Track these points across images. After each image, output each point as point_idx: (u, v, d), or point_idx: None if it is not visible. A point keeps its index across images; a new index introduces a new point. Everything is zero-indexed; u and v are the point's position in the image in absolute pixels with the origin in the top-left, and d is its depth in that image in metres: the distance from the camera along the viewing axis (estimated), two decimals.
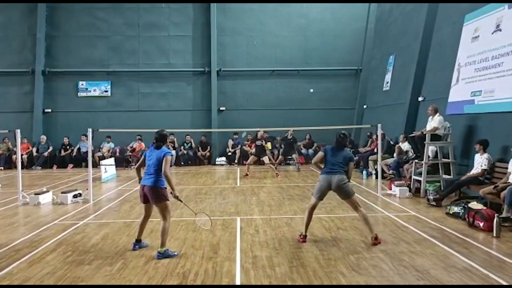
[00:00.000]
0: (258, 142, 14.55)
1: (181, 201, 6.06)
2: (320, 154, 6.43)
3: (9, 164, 16.83)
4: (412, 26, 14.46)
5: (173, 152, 17.55)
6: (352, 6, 19.27)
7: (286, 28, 19.35)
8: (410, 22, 14.77)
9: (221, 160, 17.94)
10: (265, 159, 14.45)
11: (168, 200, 5.72)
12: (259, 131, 14.53)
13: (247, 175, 13.98)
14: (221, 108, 18.99)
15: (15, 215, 8.47)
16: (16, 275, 5.05)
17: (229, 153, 17.99)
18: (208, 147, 18.34)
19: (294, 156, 15.99)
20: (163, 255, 5.52)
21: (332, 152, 6.34)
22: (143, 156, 6.05)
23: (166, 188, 5.73)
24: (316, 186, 6.34)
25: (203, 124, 18.73)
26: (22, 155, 14.77)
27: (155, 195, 5.65)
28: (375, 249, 5.85)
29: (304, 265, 5.25)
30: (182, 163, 17.62)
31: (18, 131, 9.91)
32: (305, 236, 6.26)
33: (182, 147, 18.03)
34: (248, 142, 17.09)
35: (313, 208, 6.36)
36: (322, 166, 6.39)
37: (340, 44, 19.28)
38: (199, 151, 18.17)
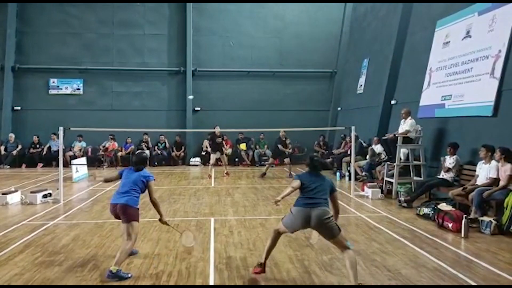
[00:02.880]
0: (218, 140, 14.08)
1: (170, 226, 5.98)
2: (297, 183, 4.86)
3: None
4: (386, 30, 14.73)
5: (147, 152, 17.35)
6: (328, 10, 19.49)
7: (262, 29, 19.41)
8: (384, 26, 15.05)
9: (196, 160, 17.83)
10: (222, 157, 14.38)
11: (138, 221, 5.41)
12: (216, 127, 14.26)
13: (210, 176, 13.76)
14: (196, 108, 18.87)
15: None
16: None
17: (204, 153, 17.88)
18: (183, 147, 18.19)
19: (286, 160, 14.75)
20: (115, 275, 4.83)
21: (310, 178, 4.92)
22: (117, 174, 5.73)
23: (138, 208, 5.48)
24: (287, 219, 4.87)
25: (177, 124, 18.54)
26: None
27: (126, 214, 5.29)
28: None
29: (278, 266, 5.27)
30: (156, 164, 17.40)
31: None
32: (263, 264, 4.94)
33: (156, 147, 17.83)
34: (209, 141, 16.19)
35: (279, 234, 5.00)
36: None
37: (315, 47, 19.46)
38: (173, 151, 18.00)
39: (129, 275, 4.94)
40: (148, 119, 17.64)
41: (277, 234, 4.98)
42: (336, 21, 19.43)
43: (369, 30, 16.76)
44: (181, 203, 9.42)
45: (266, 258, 4.97)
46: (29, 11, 18.20)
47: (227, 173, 14.15)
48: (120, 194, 5.39)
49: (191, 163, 17.74)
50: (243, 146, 17.91)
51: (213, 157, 14.23)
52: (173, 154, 17.95)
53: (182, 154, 18.11)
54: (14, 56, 18.00)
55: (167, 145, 17.99)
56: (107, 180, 6.10)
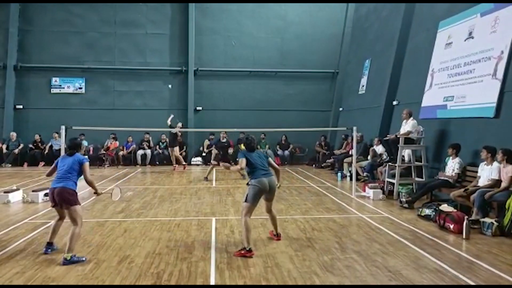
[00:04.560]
0: (224, 145, 13.99)
1: (103, 193, 6.19)
2: (244, 160, 5.97)
3: None
4: (388, 31, 14.72)
5: (148, 151, 17.37)
6: (329, 10, 19.50)
7: (264, 29, 19.42)
8: (386, 27, 15.04)
9: (197, 160, 17.85)
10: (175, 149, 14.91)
11: (79, 204, 5.62)
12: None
13: (174, 169, 14.41)
14: (197, 108, 18.89)
15: None
16: None
17: (204, 154, 17.89)
18: (184, 146, 18.20)
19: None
20: (69, 261, 5.20)
21: (251, 155, 6.07)
22: (54, 165, 5.93)
23: (76, 192, 5.65)
24: (250, 195, 5.85)
25: None
26: None
27: (65, 198, 5.49)
28: (349, 250, 5.93)
29: (278, 266, 5.27)
30: (157, 163, 17.45)
31: None
32: (251, 249, 5.67)
33: (157, 147, 17.85)
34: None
35: (250, 216, 5.90)
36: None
37: (317, 47, 19.47)
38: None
39: (84, 258, 5.38)
40: (149, 119, 17.65)
41: (249, 218, 5.85)
42: (338, 22, 19.44)
43: (371, 30, 16.75)
44: (182, 203, 9.42)
45: (249, 243, 5.69)
46: (31, 10, 18.23)
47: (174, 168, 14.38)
48: (57, 179, 5.64)
49: (192, 162, 17.75)
50: (241, 146, 17.89)
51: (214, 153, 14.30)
52: None
53: (184, 153, 18.11)
54: (16, 55, 18.04)
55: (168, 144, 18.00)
56: (48, 175, 6.22)
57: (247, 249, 5.59)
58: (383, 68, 14.64)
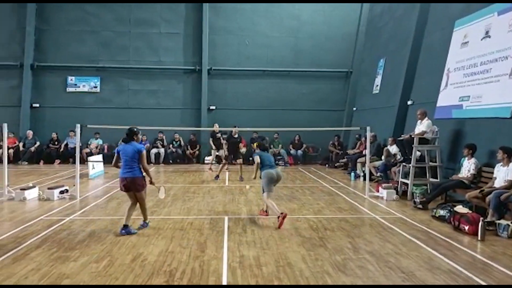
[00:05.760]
0: (234, 140, 13.62)
1: (155, 185, 7.19)
2: (258, 159, 7.76)
3: None
4: (403, 30, 14.59)
5: (162, 150, 17.49)
6: (343, 10, 19.39)
7: (278, 29, 19.39)
8: (401, 26, 14.90)
9: (210, 159, 17.87)
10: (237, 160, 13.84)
11: (145, 188, 6.74)
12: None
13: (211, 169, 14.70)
14: (211, 107, 18.95)
15: (0, 210, 8.36)
16: (0, 270, 4.98)
17: (218, 153, 17.89)
18: (197, 145, 18.29)
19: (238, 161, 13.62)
20: (142, 225, 6.94)
21: (264, 154, 7.96)
22: (116, 155, 6.73)
23: (144, 178, 6.69)
24: (266, 185, 7.58)
25: (192, 122, 18.67)
26: (8, 149, 14.54)
27: (136, 187, 6.59)
28: (362, 250, 5.90)
29: (291, 265, 5.27)
30: (171, 161, 17.56)
31: (5, 125, 9.75)
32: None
33: (171, 145, 17.96)
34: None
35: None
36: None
37: (330, 47, 19.38)
38: (187, 149, 18.11)
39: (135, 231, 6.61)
40: (163, 117, 17.79)
41: (270, 199, 7.62)
42: (351, 21, 19.33)
43: (385, 30, 16.61)
44: (195, 201, 9.47)
45: (279, 210, 7.31)
46: (48, 9, 18.47)
47: (241, 178, 13.08)
48: (126, 169, 6.58)
49: (205, 161, 17.81)
50: (254, 145, 17.86)
51: (218, 152, 14.57)
52: (188, 152, 18.06)
53: (197, 152, 18.21)
54: (33, 54, 18.30)
55: (182, 143, 18.13)
56: (114, 165, 6.89)
57: (279, 215, 7.10)
58: (397, 67, 14.52)
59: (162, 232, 6.75)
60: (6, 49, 18.20)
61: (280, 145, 18.05)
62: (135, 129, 6.76)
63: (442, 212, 7.72)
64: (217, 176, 13.15)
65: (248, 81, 19.34)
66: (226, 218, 7.83)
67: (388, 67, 15.79)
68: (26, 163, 16.74)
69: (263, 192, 7.64)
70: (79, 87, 18.76)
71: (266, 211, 8.01)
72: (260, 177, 7.70)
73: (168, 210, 8.51)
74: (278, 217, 7.07)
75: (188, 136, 18.28)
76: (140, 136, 7.17)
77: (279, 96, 19.23)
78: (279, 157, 17.27)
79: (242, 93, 19.22)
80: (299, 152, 18.23)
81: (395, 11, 15.69)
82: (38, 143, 17.30)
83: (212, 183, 12.37)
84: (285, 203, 9.35)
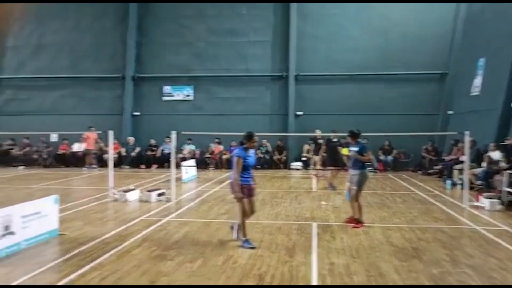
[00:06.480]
0: (319, 142, 13.75)
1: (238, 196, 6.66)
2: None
3: (101, 163, 18.11)
4: (506, 27, 13.46)
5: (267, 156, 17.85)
6: (437, 8, 18.35)
7: (366, 31, 18.88)
8: (504, 23, 13.75)
9: (297, 164, 17.92)
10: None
11: None
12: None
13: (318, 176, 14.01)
14: (298, 113, 19.00)
15: (106, 210, 9.14)
16: (106, 266, 5.43)
17: (305, 158, 17.88)
18: (284, 151, 18.42)
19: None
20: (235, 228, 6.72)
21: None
22: (241, 160, 6.18)
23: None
24: (361, 180, 7.77)
25: (279, 128, 18.87)
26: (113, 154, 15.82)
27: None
28: (461, 264, 5.52)
29: (382, 275, 5.09)
30: (259, 167, 17.86)
31: (111, 132, 10.63)
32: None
33: (258, 151, 18.29)
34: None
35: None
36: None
37: (423, 48, 18.41)
38: (275, 155, 18.32)
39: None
40: (251, 124, 18.05)
41: (359, 201, 7.78)
42: (446, 20, 18.23)
43: (486, 28, 15.43)
44: (283, 207, 9.54)
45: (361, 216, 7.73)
46: (146, 23, 19.94)
47: (316, 175, 13.42)
48: (250, 175, 6.41)
49: (292, 167, 17.86)
50: (345, 150, 17.51)
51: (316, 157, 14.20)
52: (275, 158, 18.26)
53: (284, 158, 18.34)
54: (134, 66, 19.81)
55: (269, 149, 18.37)
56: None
57: (358, 221, 7.53)
58: (500, 66, 13.43)
59: (251, 236, 6.87)
60: (110, 62, 19.97)
61: (369, 151, 17.48)
62: (250, 132, 6.36)
63: None
64: (333, 186, 12.15)
65: (335, 86, 19.07)
66: (314, 224, 7.79)
67: (489, 67, 14.64)
68: (128, 167, 18.06)
69: (357, 186, 7.70)
70: (174, 95, 19.93)
71: (356, 219, 7.65)
72: (360, 175, 7.78)
73: (256, 214, 8.59)
74: (358, 220, 7.55)
75: (275, 142, 18.48)
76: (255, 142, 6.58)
77: (367, 100, 18.66)
78: (368, 163, 16.73)
79: (329, 98, 18.98)
80: (389, 158, 17.55)
81: (497, 7, 14.51)
82: (138, 149, 18.62)
83: (300, 189, 12.36)
84: (375, 210, 9.06)
